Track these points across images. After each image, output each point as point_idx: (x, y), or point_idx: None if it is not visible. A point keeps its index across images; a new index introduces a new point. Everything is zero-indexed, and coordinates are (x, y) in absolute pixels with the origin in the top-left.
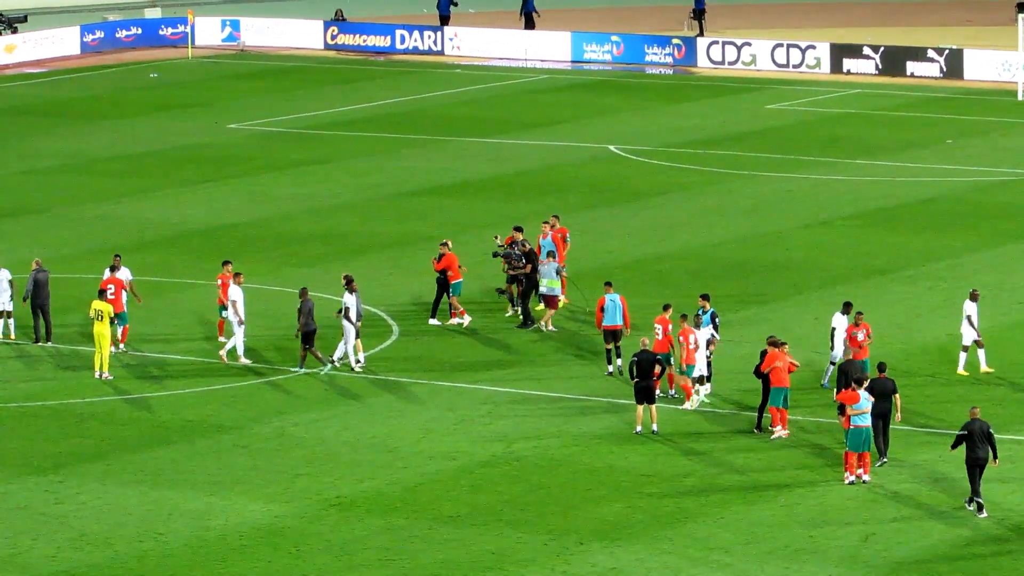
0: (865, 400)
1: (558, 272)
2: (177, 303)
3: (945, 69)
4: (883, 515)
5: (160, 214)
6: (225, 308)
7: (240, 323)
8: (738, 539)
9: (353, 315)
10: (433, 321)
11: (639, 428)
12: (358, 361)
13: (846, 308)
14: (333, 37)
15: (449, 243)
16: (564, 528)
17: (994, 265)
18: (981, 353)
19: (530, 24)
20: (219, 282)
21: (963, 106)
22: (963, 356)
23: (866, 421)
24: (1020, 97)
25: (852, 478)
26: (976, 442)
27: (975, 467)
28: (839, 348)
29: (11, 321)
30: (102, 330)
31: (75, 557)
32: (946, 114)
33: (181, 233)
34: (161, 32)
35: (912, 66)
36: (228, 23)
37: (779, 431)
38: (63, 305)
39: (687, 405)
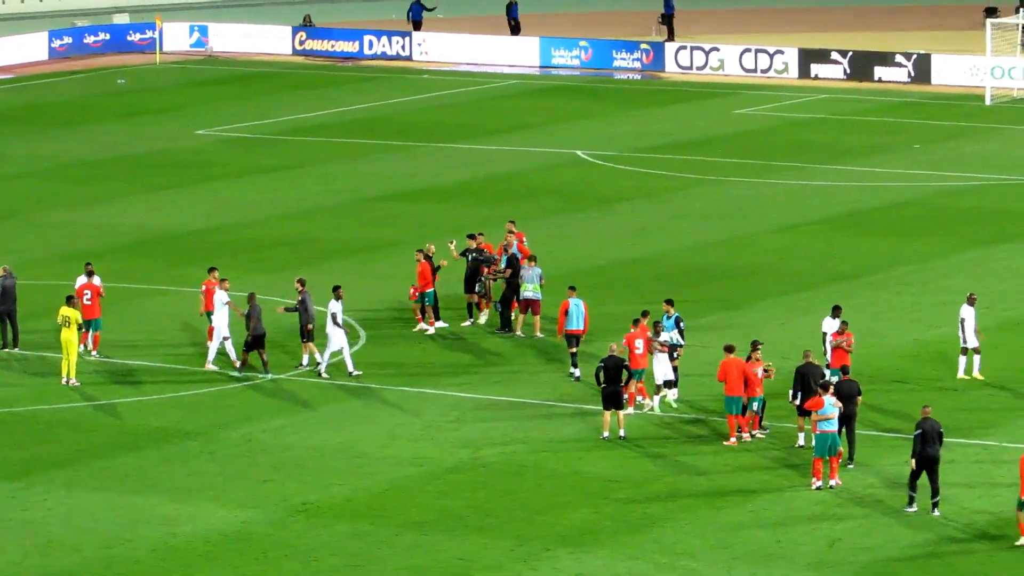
0: (830, 405)
1: (541, 277)
2: (145, 309)
3: (913, 74)
4: (849, 519)
5: (128, 220)
6: (210, 315)
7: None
8: (705, 544)
9: (339, 321)
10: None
11: (606, 434)
12: (319, 363)
13: (835, 312)
14: (301, 42)
15: (423, 252)
16: (531, 534)
17: (961, 270)
18: (976, 359)
19: (516, 30)
20: (203, 288)
21: (931, 111)
22: (962, 360)
23: (832, 427)
24: (988, 102)
25: (819, 483)
26: (928, 440)
27: (923, 464)
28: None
29: None
30: (69, 336)
31: (42, 563)
32: (914, 119)
33: (149, 239)
34: (129, 38)
35: (880, 71)
36: (196, 28)
37: (736, 438)
38: (31, 311)
39: (631, 410)
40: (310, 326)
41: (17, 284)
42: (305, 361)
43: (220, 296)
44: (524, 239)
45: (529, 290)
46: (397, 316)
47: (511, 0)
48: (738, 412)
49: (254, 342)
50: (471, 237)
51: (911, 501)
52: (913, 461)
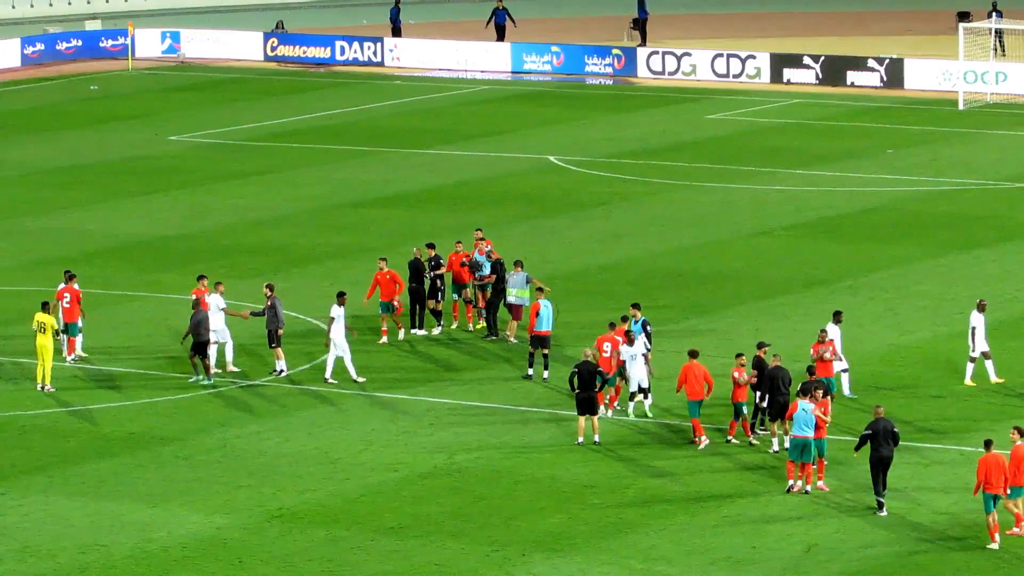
0: (802, 412)
1: (528, 281)
2: (118, 315)
3: (885, 79)
4: (825, 525)
5: (100, 226)
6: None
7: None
8: (680, 549)
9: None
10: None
11: (580, 439)
12: (281, 371)
13: (836, 318)
14: (273, 48)
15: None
16: (506, 539)
17: (935, 275)
18: (989, 364)
19: (500, 36)
20: (193, 297)
21: (904, 116)
22: (970, 367)
23: (807, 432)
24: (961, 107)
25: (791, 483)
26: (881, 441)
27: (879, 466)
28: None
29: None
30: (44, 342)
31: (18, 569)
32: (887, 124)
33: (121, 245)
34: (101, 44)
35: (852, 76)
36: (168, 35)
37: (703, 440)
38: (4, 318)
39: (604, 411)
40: (280, 331)
41: None
42: (278, 367)
43: (216, 301)
44: (491, 247)
45: (513, 295)
46: (371, 322)
47: (498, 6)
48: (697, 415)
49: (197, 348)
50: (430, 246)
51: (880, 507)
52: (809, 467)
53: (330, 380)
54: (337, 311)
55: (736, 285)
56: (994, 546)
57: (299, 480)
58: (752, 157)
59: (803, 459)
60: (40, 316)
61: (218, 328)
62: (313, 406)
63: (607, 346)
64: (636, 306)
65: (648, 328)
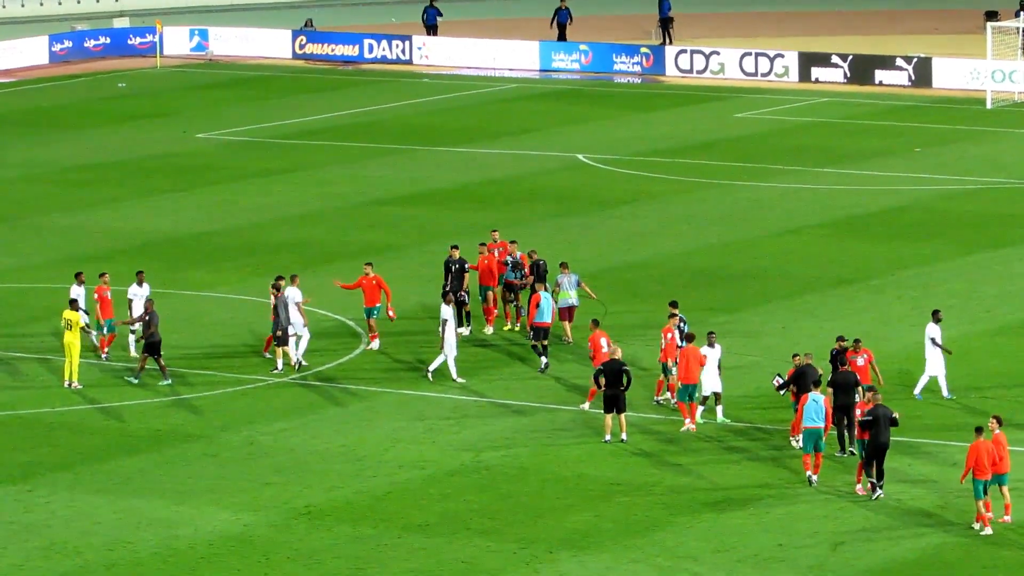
0: (812, 403)
1: (578, 284)
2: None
3: (914, 78)
4: (852, 524)
5: (129, 224)
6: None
7: (304, 324)
8: (707, 548)
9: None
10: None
11: (608, 437)
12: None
13: (936, 316)
14: (301, 46)
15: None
16: (533, 537)
17: (962, 274)
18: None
19: (562, 35)
20: (272, 300)
21: (931, 115)
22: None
23: (818, 423)
24: (989, 106)
25: (809, 474)
26: (881, 427)
27: (876, 452)
28: (935, 359)
29: None
30: (72, 339)
31: (44, 566)
32: (914, 123)
33: (150, 242)
34: (129, 42)
35: (880, 74)
36: (196, 32)
37: (688, 424)
38: (32, 315)
39: (586, 405)
40: (280, 332)
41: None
42: (280, 365)
43: (293, 294)
44: (508, 247)
45: (570, 297)
46: (397, 319)
47: (561, 6)
48: (686, 400)
49: (149, 348)
50: (454, 247)
51: (874, 488)
52: (811, 456)
53: (430, 377)
54: (447, 311)
55: (763, 284)
56: (988, 531)
57: (326, 477)
58: (780, 156)
59: (815, 450)
60: (67, 313)
61: (295, 322)
62: (340, 404)
63: (603, 341)
64: (674, 304)
65: (683, 327)
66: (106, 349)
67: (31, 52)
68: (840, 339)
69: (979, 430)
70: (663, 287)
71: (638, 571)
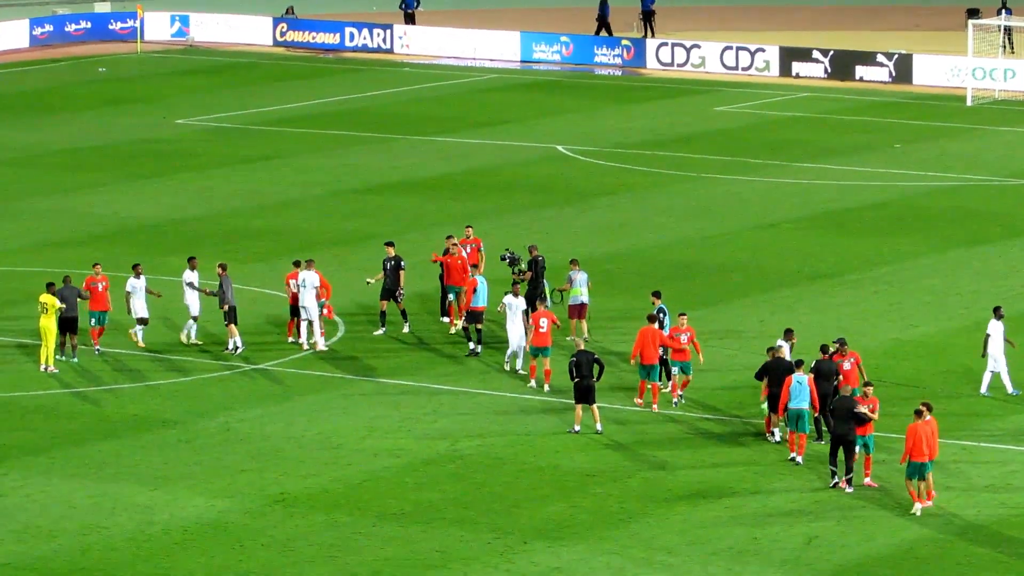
0: (796, 384)
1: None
2: (123, 297)
3: (894, 74)
4: (827, 518)
5: (108, 209)
6: (297, 309)
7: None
8: (682, 540)
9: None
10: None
11: (577, 427)
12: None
13: (997, 313)
14: (283, 34)
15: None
16: (508, 527)
17: (940, 270)
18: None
19: (601, 29)
20: (289, 283)
21: (912, 111)
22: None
23: (801, 404)
24: (969, 103)
25: (793, 455)
26: (840, 420)
27: (836, 443)
28: (998, 356)
29: None
30: (47, 324)
31: (19, 550)
32: (894, 119)
33: (129, 228)
34: (110, 27)
35: (861, 70)
36: (177, 18)
37: (640, 403)
38: (9, 299)
39: (533, 383)
40: (225, 307)
41: None
42: (231, 345)
43: (311, 279)
44: (481, 245)
45: (583, 294)
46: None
47: None
48: (648, 379)
49: (64, 324)
50: (389, 244)
51: (832, 475)
52: (804, 437)
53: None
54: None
55: (742, 277)
56: (916, 511)
57: (301, 465)
58: (760, 150)
59: (798, 429)
60: (43, 297)
61: (308, 306)
62: (316, 391)
63: (543, 322)
64: (656, 294)
65: (663, 317)
66: (98, 341)
67: (11, 36)
68: (823, 349)
69: (918, 412)
70: (641, 279)
71: (612, 563)
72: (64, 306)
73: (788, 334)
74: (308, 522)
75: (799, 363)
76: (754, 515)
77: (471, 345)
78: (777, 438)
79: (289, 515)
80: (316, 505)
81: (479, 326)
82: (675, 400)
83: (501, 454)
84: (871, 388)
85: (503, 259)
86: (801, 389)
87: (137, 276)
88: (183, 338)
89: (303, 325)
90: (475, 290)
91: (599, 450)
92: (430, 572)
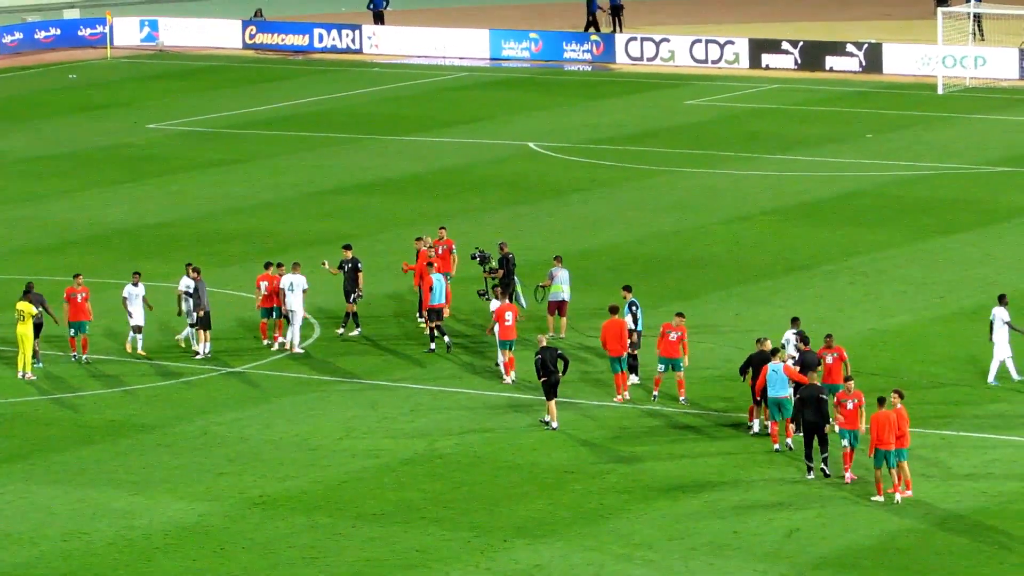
0: (773, 373)
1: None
2: (98, 303)
3: (864, 63)
4: (807, 509)
5: (80, 214)
6: (269, 311)
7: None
8: (661, 535)
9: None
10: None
11: (556, 424)
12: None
13: (1002, 300)
14: (252, 36)
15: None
16: (488, 525)
17: (915, 260)
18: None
19: (596, 25)
20: (260, 285)
21: (883, 100)
22: (994, 365)
23: (780, 392)
24: (940, 91)
25: (776, 446)
26: (808, 407)
27: (807, 431)
28: (1002, 343)
29: None
30: (24, 331)
31: (0, 557)
32: (866, 108)
33: (102, 233)
34: (80, 33)
35: (831, 60)
36: (147, 23)
37: (625, 396)
38: None
39: (509, 378)
40: (202, 313)
41: None
42: (204, 349)
43: (300, 282)
44: (453, 247)
45: (564, 291)
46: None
47: None
48: (620, 371)
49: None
50: (346, 248)
51: (809, 470)
52: (792, 426)
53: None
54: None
55: (716, 270)
56: (879, 499)
57: (280, 467)
58: (731, 142)
59: (781, 417)
60: (20, 304)
61: (295, 308)
62: (293, 393)
63: (508, 315)
64: (627, 288)
65: (635, 310)
66: (86, 352)
67: None
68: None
69: (881, 401)
70: (616, 275)
71: (593, 559)
72: (39, 312)
73: (795, 322)
74: (288, 524)
75: (775, 351)
76: (734, 508)
77: (446, 340)
78: (756, 429)
79: (269, 517)
80: (296, 507)
81: (439, 323)
82: (655, 394)
83: (479, 452)
84: (852, 383)
85: (473, 258)
86: (778, 378)
87: (135, 284)
88: (128, 347)
89: (288, 327)
90: (431, 288)
91: (577, 447)
92: (411, 572)
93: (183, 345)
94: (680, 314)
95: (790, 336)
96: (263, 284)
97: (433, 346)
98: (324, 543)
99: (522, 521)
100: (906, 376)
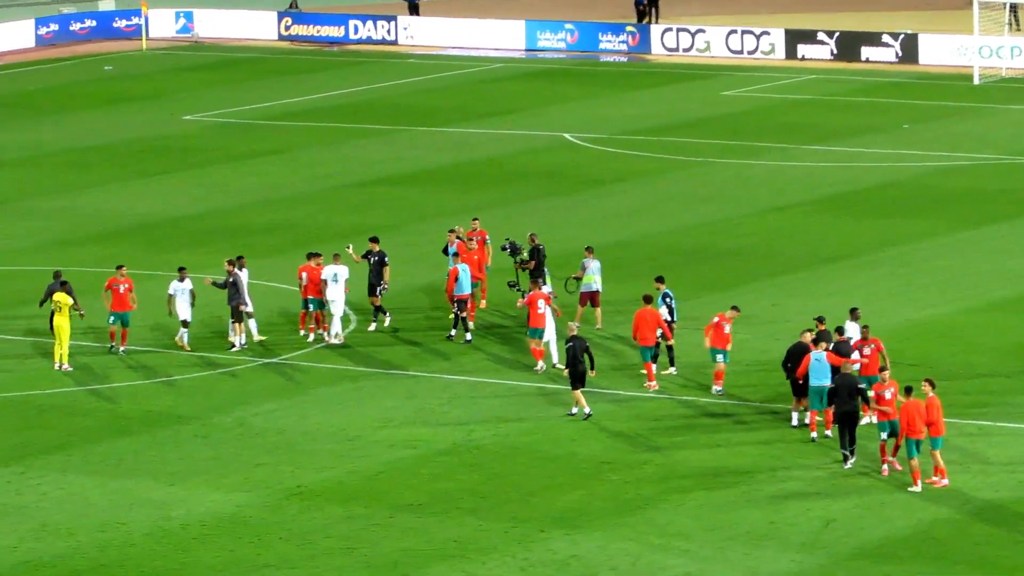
0: (816, 362)
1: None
2: (161, 299)
3: (900, 54)
4: (844, 500)
5: (115, 206)
6: (313, 302)
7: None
8: (698, 525)
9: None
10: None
11: (588, 410)
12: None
13: None
14: (287, 28)
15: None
16: (524, 516)
17: (951, 250)
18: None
19: (643, 16)
20: (301, 276)
21: (918, 91)
22: None
23: (823, 381)
24: (976, 82)
25: (813, 435)
26: (843, 396)
27: (842, 421)
28: None
29: None
30: (61, 322)
31: (37, 548)
32: (901, 99)
33: (136, 225)
34: (115, 24)
35: (867, 51)
36: (182, 15)
37: (653, 386)
38: (20, 298)
39: (541, 364)
40: (242, 307)
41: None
42: (239, 342)
43: (342, 272)
44: (487, 237)
45: (596, 282)
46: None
47: None
48: (649, 360)
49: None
50: (373, 240)
51: (845, 459)
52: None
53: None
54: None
55: (752, 261)
56: (916, 489)
57: (317, 458)
58: (767, 133)
59: (823, 406)
60: (57, 296)
61: (336, 299)
62: (330, 384)
63: (541, 303)
64: (660, 279)
65: (669, 301)
66: (125, 344)
67: (17, 35)
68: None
69: (908, 390)
70: (651, 266)
71: (629, 550)
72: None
73: (853, 313)
74: (325, 515)
75: (816, 340)
76: (771, 498)
77: (467, 337)
78: (795, 423)
79: (306, 508)
80: (333, 498)
81: (464, 314)
82: (717, 389)
83: (516, 443)
84: (887, 373)
85: (504, 249)
86: (820, 367)
87: (181, 279)
88: (177, 341)
89: (330, 319)
90: (457, 279)
91: (614, 437)
92: (448, 562)
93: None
94: (735, 307)
95: (850, 325)
96: (304, 275)
97: (453, 333)
98: (361, 534)
99: (559, 512)
100: (943, 367)
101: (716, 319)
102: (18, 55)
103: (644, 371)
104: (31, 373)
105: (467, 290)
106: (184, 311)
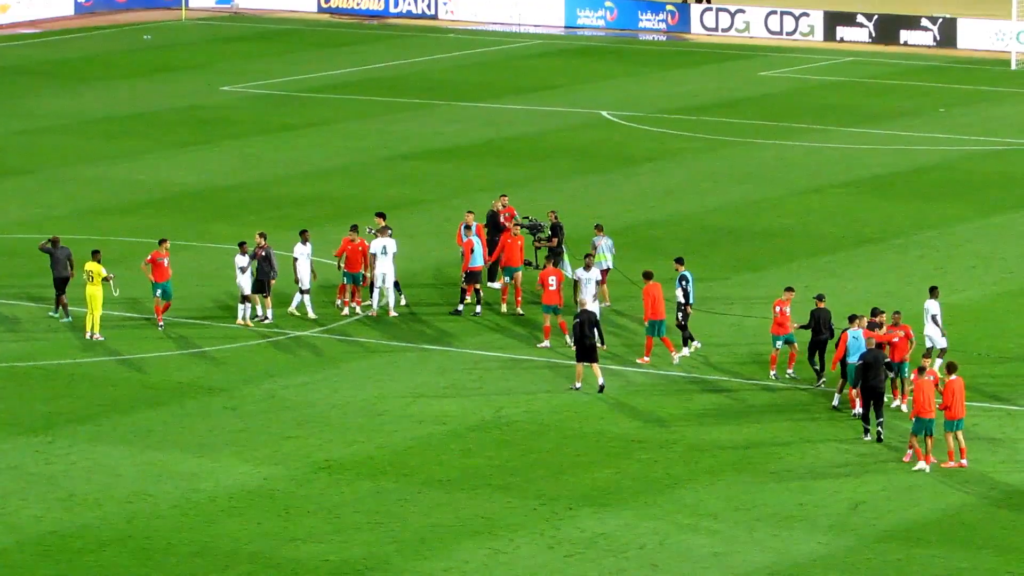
0: (853, 340)
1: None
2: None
3: (939, 38)
4: (872, 483)
5: (153, 176)
6: (347, 275)
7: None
8: (727, 505)
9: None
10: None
11: (578, 384)
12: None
13: None
14: (327, 0)
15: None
16: (553, 493)
17: (985, 234)
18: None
19: None
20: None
21: (956, 75)
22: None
23: (853, 358)
24: (1013, 66)
25: (855, 411)
26: (872, 372)
27: (871, 396)
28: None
29: None
30: (93, 291)
31: (65, 518)
32: (939, 83)
33: (173, 195)
34: None
35: (905, 34)
36: None
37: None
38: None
39: (547, 343)
40: (273, 280)
41: (41, 239)
42: (267, 314)
43: (391, 245)
44: (516, 214)
45: (607, 260)
46: (419, 274)
47: None
48: (655, 335)
49: (56, 284)
50: (380, 215)
51: (865, 432)
52: (856, 391)
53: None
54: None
55: (787, 242)
56: (923, 467)
57: (346, 432)
58: (805, 114)
59: (855, 384)
60: (89, 265)
61: (386, 272)
62: (361, 358)
63: (552, 279)
64: (679, 260)
65: (684, 284)
66: (162, 319)
67: (57, 3)
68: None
69: (920, 369)
70: (686, 245)
71: (658, 528)
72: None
73: (933, 291)
74: (354, 489)
75: (852, 318)
76: (799, 480)
77: (477, 309)
78: (836, 403)
79: (335, 482)
80: (362, 472)
81: (477, 285)
82: (782, 373)
83: (546, 420)
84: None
85: (523, 227)
86: (858, 344)
87: (304, 242)
88: (294, 310)
89: (375, 292)
90: (472, 251)
91: (644, 416)
92: (476, 538)
93: (297, 313)
94: (789, 288)
95: (930, 305)
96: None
97: (461, 307)
98: (389, 508)
99: (588, 489)
100: (974, 351)
101: (776, 307)
102: (57, 23)
103: (651, 344)
104: (61, 342)
105: (480, 263)
106: (305, 278)
